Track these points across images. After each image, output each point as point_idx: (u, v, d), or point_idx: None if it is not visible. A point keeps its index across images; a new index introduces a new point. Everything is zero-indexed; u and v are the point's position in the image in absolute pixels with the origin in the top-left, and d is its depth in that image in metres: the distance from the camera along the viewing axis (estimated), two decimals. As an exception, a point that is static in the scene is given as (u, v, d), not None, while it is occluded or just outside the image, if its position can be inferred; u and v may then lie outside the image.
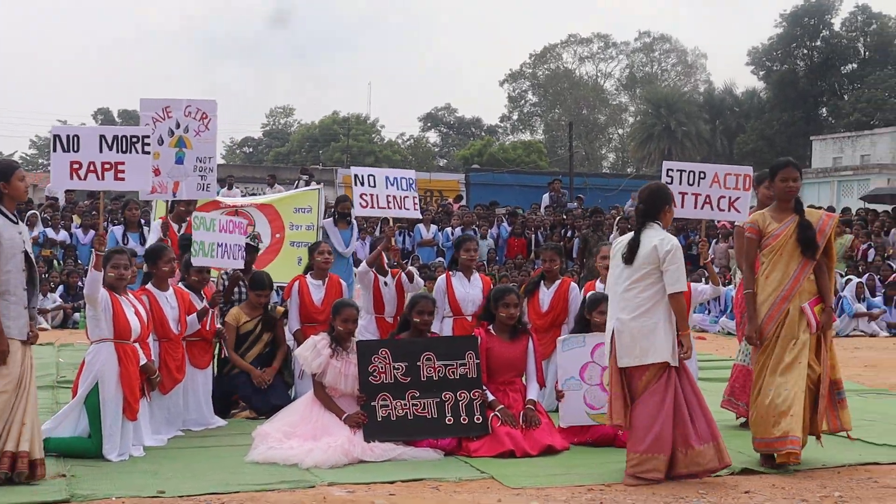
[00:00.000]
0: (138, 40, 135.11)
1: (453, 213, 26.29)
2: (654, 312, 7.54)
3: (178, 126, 10.22)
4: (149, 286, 9.27)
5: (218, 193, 13.96)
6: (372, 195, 10.92)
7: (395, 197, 11.03)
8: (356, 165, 11.56)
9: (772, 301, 7.79)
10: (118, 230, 12.61)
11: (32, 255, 7.58)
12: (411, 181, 11.28)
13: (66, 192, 24.62)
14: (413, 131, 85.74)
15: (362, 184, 10.91)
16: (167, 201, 11.61)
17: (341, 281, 10.91)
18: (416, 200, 11.32)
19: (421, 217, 12.25)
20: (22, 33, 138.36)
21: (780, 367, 7.78)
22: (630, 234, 7.86)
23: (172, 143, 10.18)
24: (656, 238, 7.63)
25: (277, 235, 13.60)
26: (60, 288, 20.48)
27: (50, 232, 22.67)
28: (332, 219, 14.37)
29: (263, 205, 14.04)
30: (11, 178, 7.39)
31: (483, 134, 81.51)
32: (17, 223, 7.40)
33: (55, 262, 22.04)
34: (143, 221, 14.75)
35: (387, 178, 11.10)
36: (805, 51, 71.16)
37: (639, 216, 7.95)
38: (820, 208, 25.84)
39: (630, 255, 7.61)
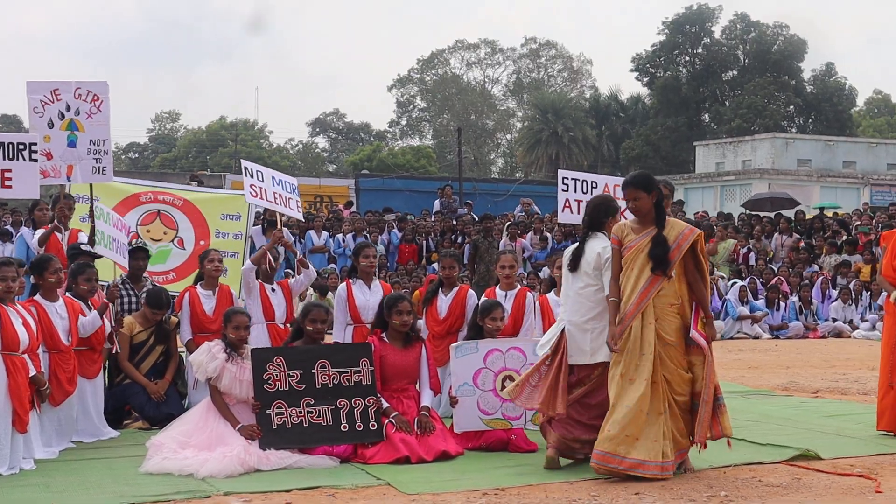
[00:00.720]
0: (21, 43, 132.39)
1: (344, 220, 26.25)
2: (604, 315, 7.96)
3: (68, 109, 9.98)
4: (37, 297, 9.11)
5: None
6: (261, 188, 11.05)
7: (280, 195, 11.20)
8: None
9: (622, 313, 7.81)
10: (28, 232, 12.17)
11: None
12: (293, 187, 11.50)
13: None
14: (302, 137, 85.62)
15: (251, 176, 11.05)
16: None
17: (232, 290, 10.85)
18: (299, 204, 11.53)
19: (303, 219, 12.20)
20: None
21: (623, 382, 7.81)
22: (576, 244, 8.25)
23: (63, 126, 9.95)
24: (599, 246, 8.10)
25: (202, 242, 13.17)
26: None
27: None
28: (261, 227, 13.89)
29: (188, 204, 13.48)
30: None
31: (372, 139, 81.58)
32: None
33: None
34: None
35: (273, 177, 11.30)
36: (687, 58, 72.72)
37: (584, 226, 8.36)
38: (701, 214, 26.47)
39: (574, 263, 8.09)
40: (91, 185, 10.57)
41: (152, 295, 10.43)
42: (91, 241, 10.12)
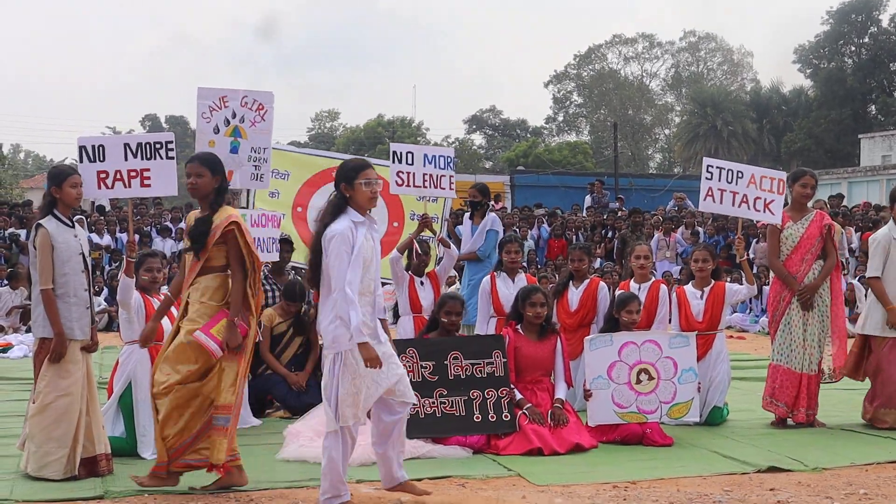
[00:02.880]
0: (182, 47, 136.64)
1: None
2: None
3: (234, 116, 10.21)
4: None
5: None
6: (409, 173, 10.96)
7: (431, 175, 11.03)
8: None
9: None
10: None
11: (89, 259, 7.79)
12: (450, 159, 11.24)
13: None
14: (458, 134, 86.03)
15: (400, 161, 10.96)
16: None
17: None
18: (453, 180, 11.24)
19: (455, 195, 11.74)
20: (68, 44, 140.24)
21: None
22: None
23: (228, 133, 10.20)
24: None
25: (395, 224, 13.01)
26: (105, 291, 20.78)
27: (94, 237, 23.02)
28: (469, 212, 12.83)
29: (383, 183, 13.07)
30: (63, 185, 7.64)
31: (528, 135, 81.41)
32: (72, 227, 7.65)
33: (100, 266, 22.36)
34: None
35: (425, 155, 11.11)
36: (853, 48, 70.48)
37: None
38: (868, 204, 25.66)
39: None
40: (247, 191, 10.83)
41: (288, 287, 10.68)
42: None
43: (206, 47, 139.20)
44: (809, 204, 10.21)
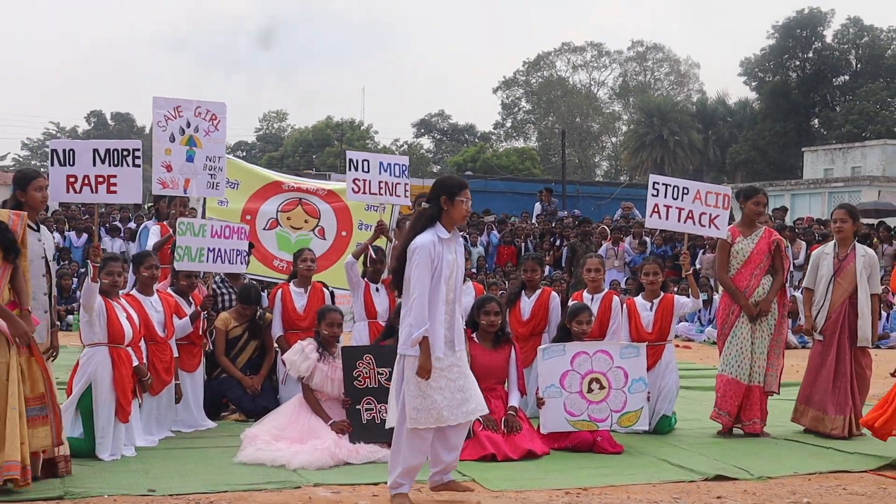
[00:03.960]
0: (128, 44, 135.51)
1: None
2: None
3: (188, 125, 10.36)
4: (133, 291, 9.47)
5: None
6: (364, 180, 11.02)
7: (387, 183, 11.09)
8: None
9: None
10: (152, 224, 12.37)
11: (52, 263, 7.80)
12: (404, 167, 11.32)
13: (58, 198, 24.69)
14: (407, 137, 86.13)
15: (356, 168, 11.01)
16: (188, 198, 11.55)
17: (324, 288, 11.00)
18: (408, 187, 11.35)
19: (410, 203, 11.88)
20: (11, 36, 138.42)
21: None
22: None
23: (183, 142, 10.29)
24: None
25: (343, 234, 13.09)
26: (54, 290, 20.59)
27: (43, 235, 22.77)
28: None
29: (332, 194, 13.31)
30: (28, 188, 7.70)
31: (476, 140, 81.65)
32: (37, 230, 7.64)
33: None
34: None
35: (381, 163, 11.18)
36: (797, 62, 71.42)
37: None
38: (811, 219, 26.10)
39: None
40: (204, 199, 10.92)
41: (242, 291, 10.72)
42: (157, 251, 10.38)
43: (152, 42, 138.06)
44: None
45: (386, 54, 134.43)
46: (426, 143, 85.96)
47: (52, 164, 8.79)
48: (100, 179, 8.85)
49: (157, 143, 10.24)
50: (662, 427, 9.93)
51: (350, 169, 11.06)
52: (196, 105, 10.44)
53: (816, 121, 72.09)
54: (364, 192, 11.10)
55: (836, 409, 9.81)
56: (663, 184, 10.19)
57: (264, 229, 12.83)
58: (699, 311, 20.17)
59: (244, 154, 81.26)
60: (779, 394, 10.10)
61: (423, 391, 6.80)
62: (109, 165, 8.85)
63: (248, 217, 12.75)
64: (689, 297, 10.41)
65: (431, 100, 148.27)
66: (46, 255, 7.67)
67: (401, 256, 6.95)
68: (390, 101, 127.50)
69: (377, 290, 10.79)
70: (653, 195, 10.16)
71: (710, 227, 10.18)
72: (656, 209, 10.16)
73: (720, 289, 10.30)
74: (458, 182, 7.11)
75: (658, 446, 9.26)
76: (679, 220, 10.18)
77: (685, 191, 10.16)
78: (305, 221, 13.01)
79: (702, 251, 22.94)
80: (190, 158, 10.32)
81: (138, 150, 8.99)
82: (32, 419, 7.19)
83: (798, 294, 19.92)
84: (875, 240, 25.56)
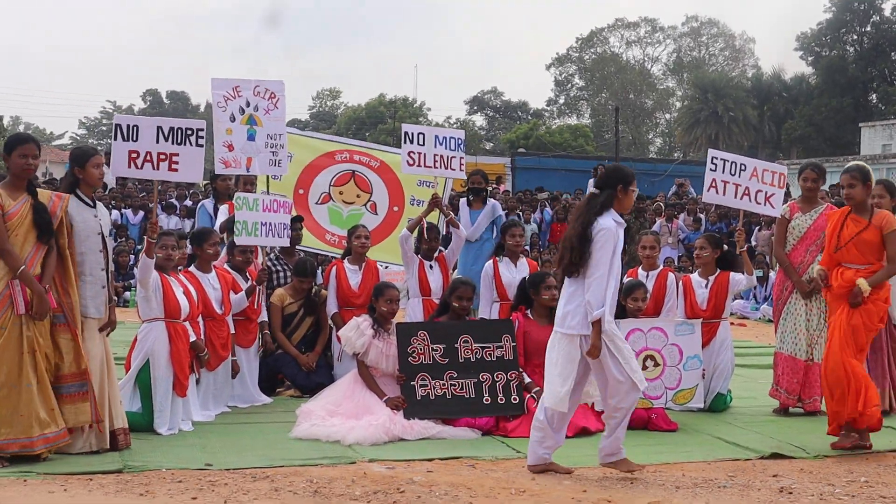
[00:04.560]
0: (184, 22, 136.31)
1: (497, 198, 26.45)
2: None
3: (248, 104, 10.39)
4: (192, 268, 9.54)
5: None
6: (420, 153, 10.98)
7: (442, 157, 11.03)
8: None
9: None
10: (209, 203, 12.50)
11: (109, 239, 7.89)
12: (460, 141, 11.27)
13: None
14: (459, 115, 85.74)
15: (411, 141, 10.98)
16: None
17: (378, 265, 11.00)
18: (463, 161, 11.28)
19: (465, 177, 11.81)
20: (66, 16, 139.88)
21: None
22: None
23: (244, 121, 10.34)
24: None
25: (395, 209, 13.00)
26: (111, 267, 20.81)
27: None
28: (466, 197, 12.67)
29: (384, 167, 13.20)
30: (86, 165, 7.75)
31: (529, 118, 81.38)
32: (93, 206, 7.73)
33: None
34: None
35: (436, 136, 11.15)
36: (855, 36, 70.34)
37: None
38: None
39: None
40: (267, 177, 10.95)
41: (298, 265, 10.76)
42: (224, 229, 10.40)
43: (207, 24, 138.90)
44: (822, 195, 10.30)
45: (438, 31, 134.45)
46: (479, 120, 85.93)
47: (116, 139, 8.82)
48: (162, 157, 8.89)
49: (217, 124, 10.30)
50: (717, 405, 9.87)
51: (405, 142, 11.01)
52: (255, 84, 10.48)
53: (874, 96, 71.00)
54: (419, 165, 11.05)
55: (875, 384, 9.70)
56: (721, 159, 10.15)
57: (317, 203, 12.79)
58: (755, 288, 19.99)
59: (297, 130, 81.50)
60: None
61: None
62: (173, 143, 8.90)
63: (301, 191, 12.73)
64: (742, 273, 10.31)
65: (484, 77, 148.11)
66: (103, 231, 7.76)
67: (582, 236, 7.08)
68: (443, 78, 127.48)
69: (431, 266, 10.79)
70: (710, 170, 10.10)
71: (765, 204, 10.12)
72: (714, 184, 10.10)
73: (776, 266, 10.17)
74: (631, 173, 7.41)
75: (713, 424, 9.22)
76: (735, 197, 10.14)
77: (742, 167, 10.11)
78: (358, 196, 12.97)
79: (757, 228, 22.74)
80: (251, 137, 10.37)
81: (202, 129, 9.05)
82: (72, 395, 7.33)
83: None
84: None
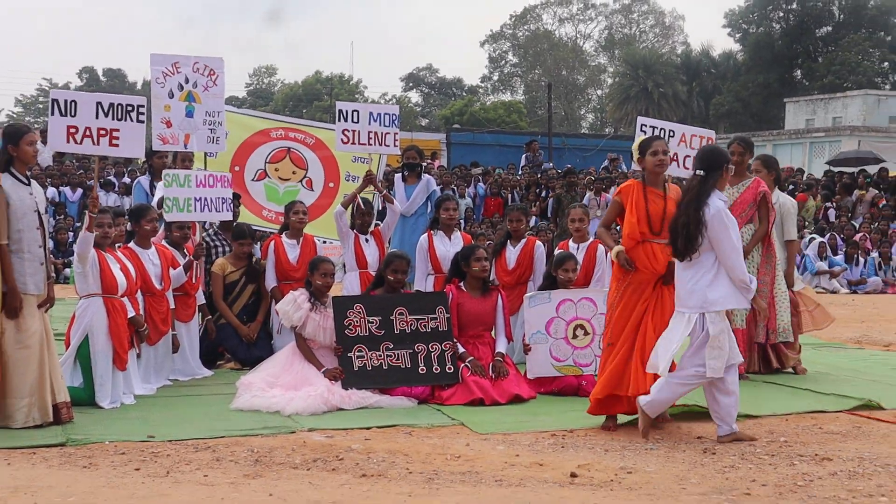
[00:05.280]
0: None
1: (432, 173, 26.50)
2: None
3: (186, 81, 10.32)
4: (131, 244, 9.53)
5: None
6: (354, 131, 10.99)
7: (376, 133, 11.03)
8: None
9: None
10: (145, 180, 12.43)
11: (45, 216, 7.85)
12: (395, 117, 11.27)
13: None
14: (395, 91, 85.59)
15: (345, 119, 10.99)
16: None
17: (315, 240, 11.03)
18: (397, 137, 11.29)
19: (400, 153, 11.86)
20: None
21: None
22: None
23: (182, 97, 10.27)
24: None
25: (331, 185, 13.00)
26: (50, 243, 20.63)
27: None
28: (401, 172, 12.68)
29: (319, 143, 13.08)
30: (20, 142, 7.66)
31: (464, 94, 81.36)
32: (27, 184, 7.68)
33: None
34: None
35: (370, 113, 11.15)
36: (781, 13, 71.01)
37: None
38: (792, 169, 26.20)
39: None
40: (205, 154, 10.91)
41: (236, 229, 10.79)
42: (160, 205, 10.39)
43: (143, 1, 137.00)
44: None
45: (373, 8, 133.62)
46: (414, 96, 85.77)
47: (53, 114, 8.75)
48: (102, 132, 8.85)
49: (155, 100, 10.21)
50: (646, 371, 10.02)
51: (339, 119, 11.03)
52: (194, 61, 10.41)
53: (799, 72, 71.81)
54: (353, 143, 11.07)
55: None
56: (651, 126, 10.22)
57: (253, 180, 12.78)
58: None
59: (234, 108, 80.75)
60: (766, 342, 10.15)
61: (721, 343, 7.23)
62: (113, 119, 8.85)
63: (237, 168, 12.67)
64: None
65: (419, 54, 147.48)
66: (39, 209, 7.70)
67: (693, 225, 7.19)
68: (378, 55, 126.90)
69: (367, 240, 10.84)
70: (641, 135, 10.20)
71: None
72: None
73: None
74: (725, 152, 7.62)
75: (640, 390, 9.36)
76: None
77: (671, 133, 10.22)
78: (293, 173, 12.96)
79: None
80: (189, 114, 10.32)
81: (143, 106, 9.02)
82: None
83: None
84: (857, 189, 25.77)
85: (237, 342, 10.45)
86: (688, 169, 10.18)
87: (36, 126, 27.49)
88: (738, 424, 7.49)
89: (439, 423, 7.98)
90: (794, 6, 70.37)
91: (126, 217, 9.68)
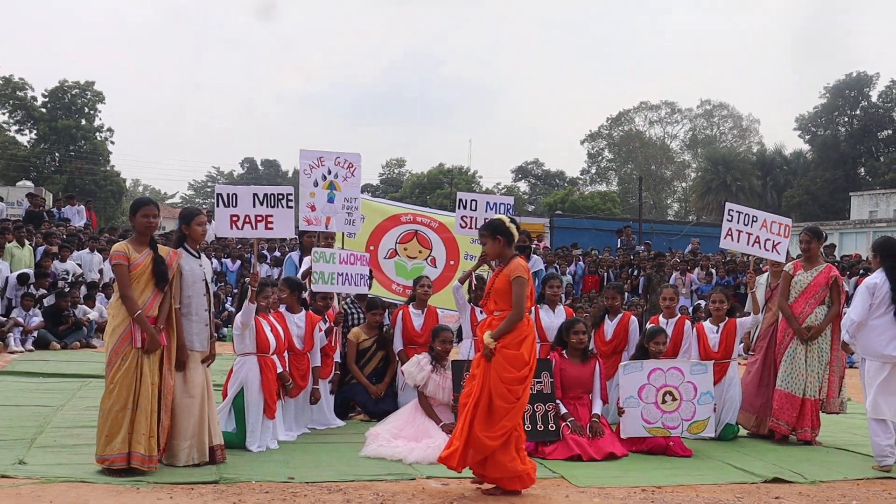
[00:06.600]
0: (273, 102, 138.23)
1: (539, 253, 26.36)
2: None
3: (329, 172, 10.52)
4: (282, 309, 9.58)
5: None
6: (471, 217, 10.98)
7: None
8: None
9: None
10: (295, 255, 12.63)
11: (211, 284, 7.97)
12: (509, 206, 11.21)
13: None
14: (507, 181, 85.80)
15: (464, 207, 11.02)
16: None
17: (437, 310, 10.95)
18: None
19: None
20: (180, 96, 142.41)
21: None
22: None
23: (325, 186, 10.47)
24: None
25: (451, 262, 13.06)
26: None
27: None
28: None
29: (442, 227, 13.14)
30: (191, 223, 7.84)
31: (566, 185, 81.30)
32: (198, 257, 7.83)
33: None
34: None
35: (487, 202, 11.15)
36: (846, 118, 69.96)
37: None
38: (857, 256, 25.36)
39: None
40: (343, 234, 11.04)
41: (369, 302, 10.77)
42: (306, 278, 10.45)
43: (300, 102, 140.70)
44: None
45: (489, 111, 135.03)
46: (523, 186, 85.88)
47: (218, 206, 8.91)
48: (259, 218, 8.95)
49: (303, 188, 10.43)
50: (727, 434, 9.73)
51: (459, 207, 11.05)
52: (336, 156, 10.60)
53: (862, 169, 70.39)
54: (470, 228, 11.04)
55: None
56: (737, 211, 10.09)
57: (385, 258, 12.86)
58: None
59: (370, 194, 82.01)
60: (839, 412, 9.79)
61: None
62: (267, 206, 8.98)
63: (371, 248, 12.78)
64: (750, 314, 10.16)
65: (528, 149, 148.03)
66: (206, 278, 7.83)
67: None
68: (493, 150, 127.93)
69: (481, 312, 10.74)
70: (727, 220, 10.04)
71: (772, 251, 10.05)
72: (730, 233, 10.03)
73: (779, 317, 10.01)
74: None
75: (723, 451, 9.08)
76: (748, 244, 10.06)
77: (754, 218, 10.08)
78: (420, 252, 13.00)
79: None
80: (331, 200, 10.48)
81: (291, 194, 9.14)
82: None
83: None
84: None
85: (367, 397, 10.39)
86: (768, 251, 9.99)
87: (204, 207, 28.14)
88: (814, 488, 7.16)
89: (542, 475, 7.75)
90: (858, 112, 69.18)
91: (277, 287, 9.75)
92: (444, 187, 73.19)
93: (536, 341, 10.32)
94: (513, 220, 7.49)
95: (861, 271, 22.87)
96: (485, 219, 10.90)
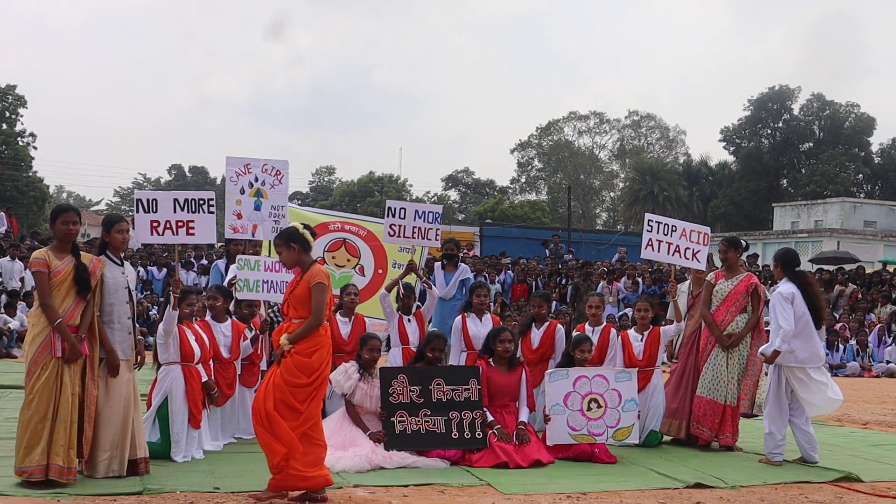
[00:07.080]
0: (202, 108, 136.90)
1: (467, 262, 26.45)
2: None
3: (256, 180, 10.41)
4: (208, 318, 9.50)
5: None
6: (400, 226, 10.94)
7: (419, 228, 10.96)
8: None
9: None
10: (221, 263, 12.47)
11: (135, 293, 7.86)
12: (437, 215, 11.17)
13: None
14: (437, 190, 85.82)
15: (394, 215, 10.96)
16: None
17: (365, 318, 10.97)
18: (439, 232, 11.20)
19: (438, 245, 11.81)
20: (107, 98, 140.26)
21: None
22: None
23: (252, 193, 10.34)
24: None
25: (380, 271, 12.94)
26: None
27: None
28: (441, 261, 12.67)
29: (371, 235, 13.01)
30: (111, 230, 7.72)
31: (495, 194, 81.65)
32: (121, 265, 7.71)
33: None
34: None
35: (416, 210, 11.11)
36: (769, 130, 71.52)
37: None
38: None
39: None
40: (269, 242, 10.94)
41: None
42: (231, 286, 10.38)
43: (229, 108, 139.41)
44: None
45: (419, 119, 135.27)
46: (453, 194, 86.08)
47: (138, 211, 8.80)
48: (180, 224, 8.86)
49: (229, 195, 10.31)
50: (650, 441, 9.86)
51: (388, 216, 11.01)
52: (263, 163, 10.50)
53: (785, 181, 71.95)
54: (398, 236, 11.02)
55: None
56: (657, 221, 10.27)
57: None
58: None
59: (299, 202, 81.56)
60: (752, 415, 9.99)
61: None
62: (188, 212, 8.89)
63: None
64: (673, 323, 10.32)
65: (458, 158, 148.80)
66: (129, 286, 7.72)
67: None
68: (423, 158, 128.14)
69: (409, 320, 10.75)
70: (647, 231, 10.19)
71: (692, 260, 10.22)
72: (650, 243, 10.19)
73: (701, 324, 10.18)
74: None
75: (647, 457, 9.20)
76: (668, 253, 10.23)
77: (674, 228, 10.26)
78: (348, 260, 12.94)
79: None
80: (257, 207, 10.38)
81: (212, 199, 9.05)
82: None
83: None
84: (838, 285, 25.46)
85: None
86: (688, 259, 10.17)
87: (129, 214, 27.70)
88: (734, 492, 7.30)
89: (469, 483, 7.82)
90: (781, 125, 70.73)
91: (203, 294, 9.66)
92: (374, 195, 73.08)
93: (464, 350, 10.42)
94: (307, 227, 7.49)
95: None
96: (413, 227, 10.94)
